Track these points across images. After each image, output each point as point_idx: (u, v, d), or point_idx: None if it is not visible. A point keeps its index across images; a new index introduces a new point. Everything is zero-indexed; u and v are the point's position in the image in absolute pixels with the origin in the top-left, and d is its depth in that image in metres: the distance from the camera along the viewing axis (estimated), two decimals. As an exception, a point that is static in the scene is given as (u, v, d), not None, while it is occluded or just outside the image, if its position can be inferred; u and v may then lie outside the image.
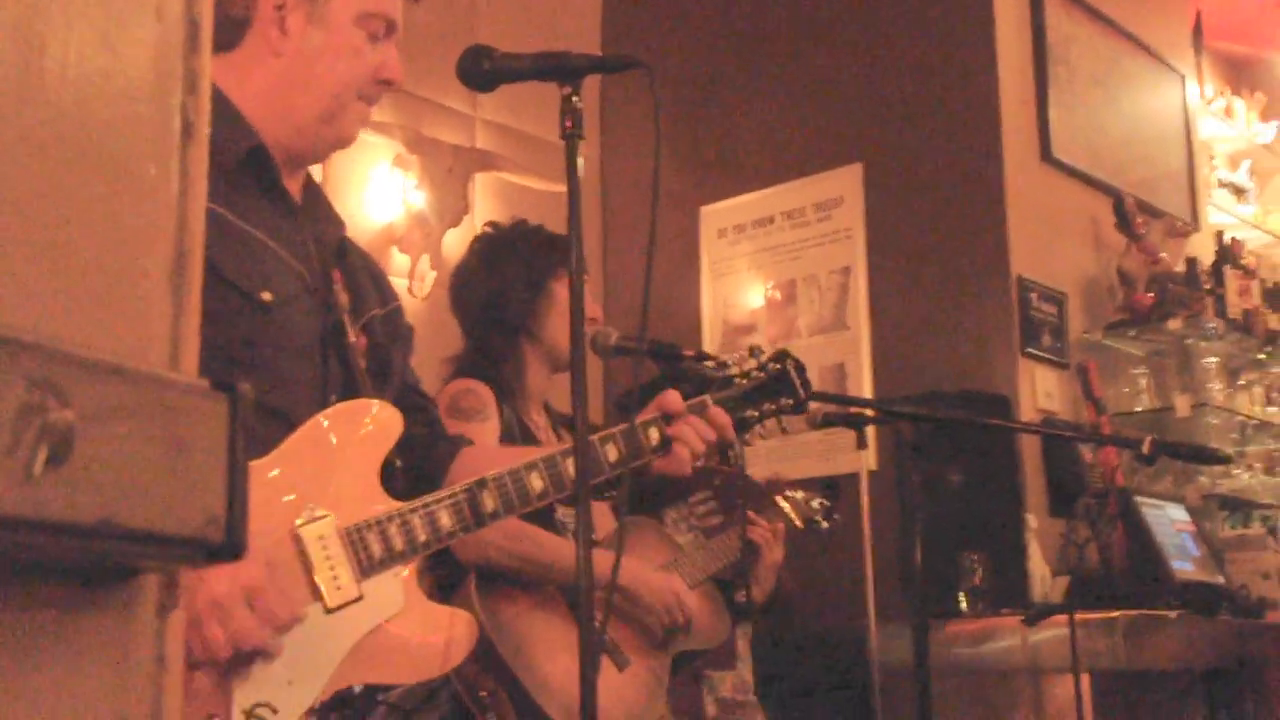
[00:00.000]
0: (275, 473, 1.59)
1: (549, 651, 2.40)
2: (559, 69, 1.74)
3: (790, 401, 2.14)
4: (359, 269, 1.98)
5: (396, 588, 1.65)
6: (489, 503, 1.76)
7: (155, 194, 0.67)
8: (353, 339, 1.83)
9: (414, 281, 4.47)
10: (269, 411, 1.65)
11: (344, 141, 1.90)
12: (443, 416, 2.62)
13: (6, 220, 0.55)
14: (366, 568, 1.62)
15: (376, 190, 4.47)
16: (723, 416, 2.05)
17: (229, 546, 0.59)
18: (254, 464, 1.53)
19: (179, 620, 0.71)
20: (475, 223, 4.69)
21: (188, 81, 0.75)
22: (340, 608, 1.60)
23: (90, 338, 0.57)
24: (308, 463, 1.62)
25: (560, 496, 1.88)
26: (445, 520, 1.71)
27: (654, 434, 1.98)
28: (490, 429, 2.57)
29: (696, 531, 3.30)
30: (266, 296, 1.72)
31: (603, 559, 2.50)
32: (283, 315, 1.74)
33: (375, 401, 1.73)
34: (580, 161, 1.71)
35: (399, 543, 1.66)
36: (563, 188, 1.72)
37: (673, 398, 2.01)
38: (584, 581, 1.61)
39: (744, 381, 2.12)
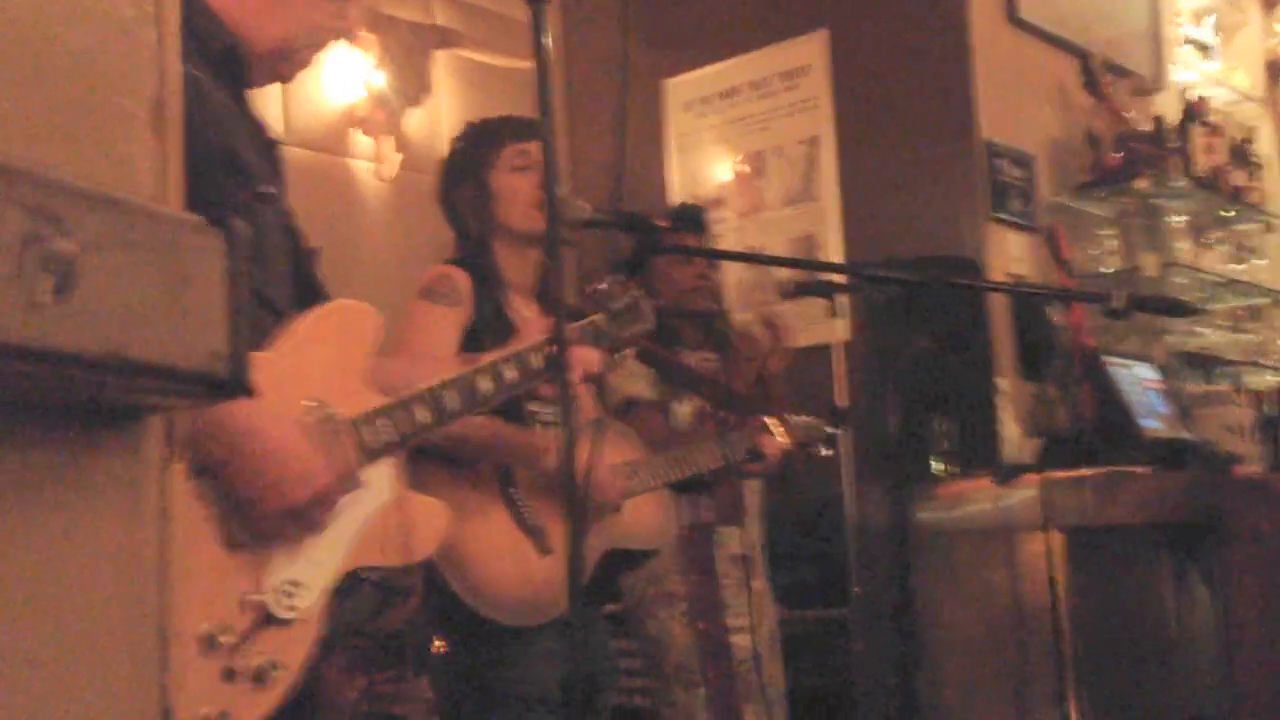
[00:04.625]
0: (280, 366, 1.65)
1: (465, 522, 2.39)
2: (519, -65, 1.71)
3: (645, 327, 2.37)
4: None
5: (388, 475, 1.76)
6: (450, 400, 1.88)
7: (133, 37, 0.65)
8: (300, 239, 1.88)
9: (379, 164, 4.41)
10: (265, 302, 1.70)
11: (286, 77, 1.90)
12: (416, 297, 2.62)
13: (-13, 53, 0.53)
14: (368, 455, 1.71)
15: (335, 71, 4.39)
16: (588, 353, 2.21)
17: (234, 383, 0.58)
18: (261, 356, 1.57)
19: (179, 474, 0.71)
20: (438, 103, 4.62)
21: (155, -74, 0.72)
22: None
23: (79, 172, 0.56)
24: (308, 358, 1.69)
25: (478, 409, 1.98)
26: (421, 415, 1.81)
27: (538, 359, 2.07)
28: (455, 316, 2.58)
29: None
30: (271, 189, 1.76)
31: (546, 440, 2.50)
32: (274, 209, 1.79)
33: (362, 304, 1.79)
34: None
35: (390, 434, 1.75)
36: (525, 64, 1.70)
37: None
38: (567, 466, 1.70)
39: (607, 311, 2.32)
